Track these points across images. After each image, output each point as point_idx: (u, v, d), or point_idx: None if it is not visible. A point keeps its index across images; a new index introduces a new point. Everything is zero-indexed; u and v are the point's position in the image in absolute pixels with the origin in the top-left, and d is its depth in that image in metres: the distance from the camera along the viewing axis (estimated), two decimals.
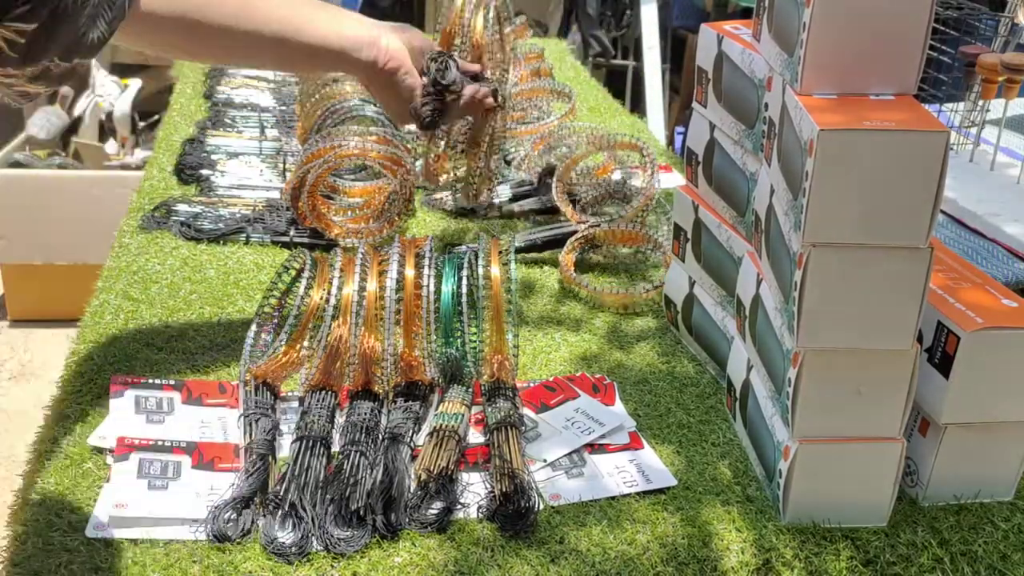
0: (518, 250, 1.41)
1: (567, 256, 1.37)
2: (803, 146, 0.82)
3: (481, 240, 1.11)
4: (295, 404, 1.02)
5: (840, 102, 0.84)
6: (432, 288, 1.06)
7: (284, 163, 1.67)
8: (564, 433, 1.02)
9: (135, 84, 3.26)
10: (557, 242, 1.41)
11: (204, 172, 1.63)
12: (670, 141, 3.38)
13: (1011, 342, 0.89)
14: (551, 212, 1.51)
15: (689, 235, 1.18)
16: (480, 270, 1.07)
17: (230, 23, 0.94)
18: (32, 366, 2.74)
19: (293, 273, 1.10)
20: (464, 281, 1.09)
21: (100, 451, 0.96)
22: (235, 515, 0.86)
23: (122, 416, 1.00)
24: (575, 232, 1.40)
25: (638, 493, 0.95)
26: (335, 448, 0.95)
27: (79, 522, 0.86)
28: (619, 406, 1.08)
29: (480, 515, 0.90)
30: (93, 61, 3.36)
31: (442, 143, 1.37)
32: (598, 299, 1.30)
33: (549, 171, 1.53)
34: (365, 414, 0.98)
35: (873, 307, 0.84)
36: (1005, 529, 0.93)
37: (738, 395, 1.04)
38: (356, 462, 0.91)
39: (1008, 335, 0.89)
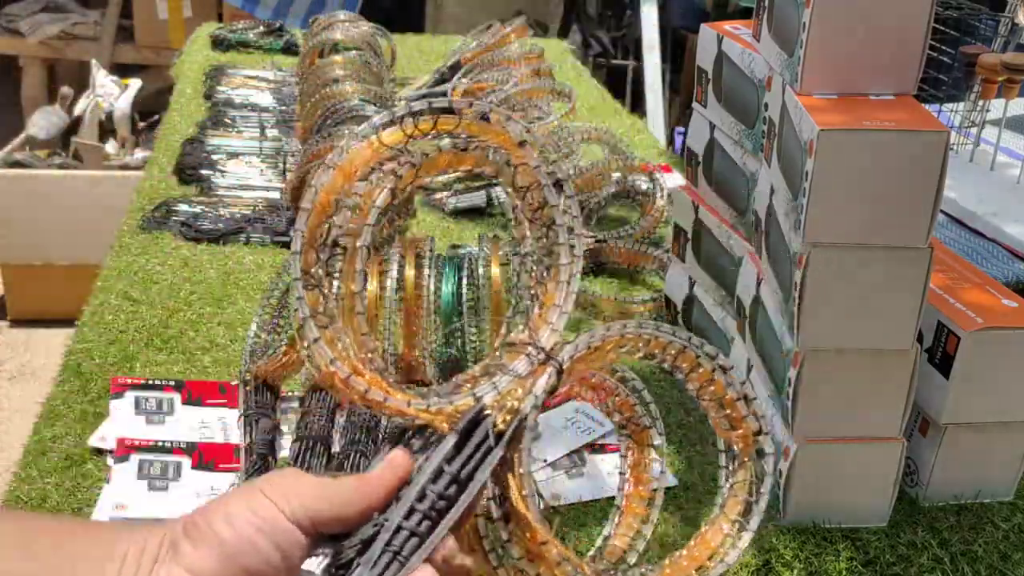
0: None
1: None
2: (803, 146, 0.82)
3: (482, 241, 1.11)
4: (295, 404, 1.02)
5: (840, 102, 0.84)
6: (432, 288, 1.06)
7: (284, 163, 1.67)
8: (564, 433, 1.02)
9: (135, 84, 3.26)
10: None
11: (204, 172, 1.63)
12: (670, 141, 3.38)
13: (1011, 342, 0.89)
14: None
15: (689, 235, 1.18)
16: (480, 270, 1.07)
17: None
18: (32, 366, 2.74)
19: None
20: (464, 281, 1.09)
21: (100, 452, 0.96)
22: None
23: (122, 417, 1.00)
24: None
25: None
26: (335, 448, 0.95)
27: None
28: None
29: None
30: (93, 61, 3.36)
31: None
32: (597, 306, 1.30)
33: (552, 184, 1.53)
34: (365, 414, 0.98)
35: (873, 307, 0.84)
36: (1005, 529, 0.93)
37: None
38: (356, 462, 0.91)
39: (1008, 335, 0.89)
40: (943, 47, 1.65)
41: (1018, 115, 1.72)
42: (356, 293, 0.60)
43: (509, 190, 0.65)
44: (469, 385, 0.58)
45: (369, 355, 0.60)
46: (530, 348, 0.59)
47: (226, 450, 0.96)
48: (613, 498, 0.93)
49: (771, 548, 0.88)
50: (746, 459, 0.67)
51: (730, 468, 0.68)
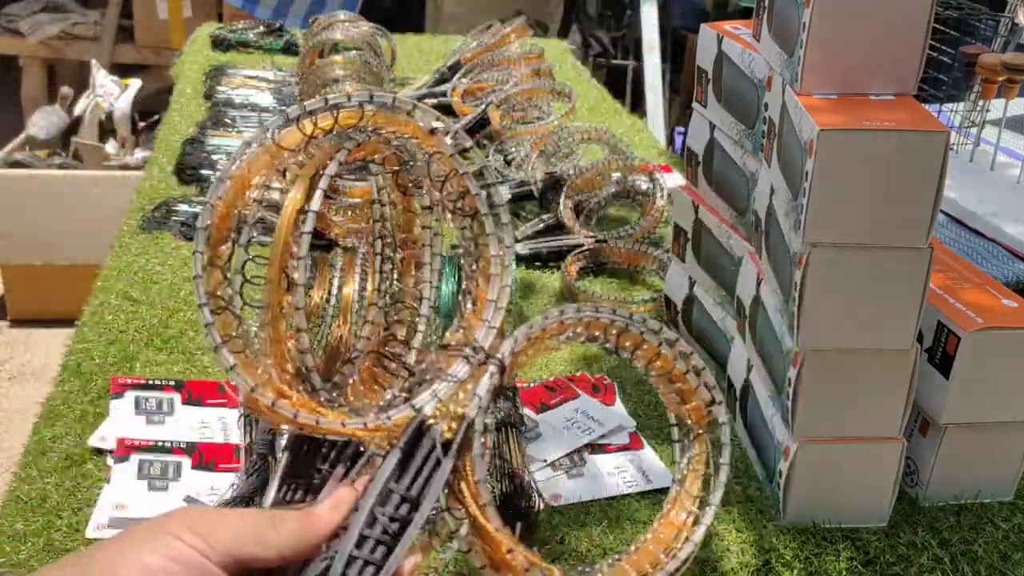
0: (522, 259, 1.41)
1: (571, 263, 1.37)
2: (803, 146, 0.82)
3: None
4: None
5: (840, 102, 0.84)
6: (437, 289, 1.05)
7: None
8: (564, 433, 1.02)
9: (135, 84, 3.26)
10: (561, 254, 1.40)
11: (204, 172, 1.63)
12: (670, 141, 3.37)
13: (1011, 342, 0.89)
14: (557, 228, 1.51)
15: (689, 235, 1.18)
16: None
17: None
18: (32, 366, 2.74)
19: None
20: (463, 282, 1.09)
21: (100, 452, 0.96)
22: None
23: (122, 417, 1.00)
24: (580, 245, 1.41)
25: (638, 493, 0.95)
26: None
27: (79, 523, 0.86)
28: (619, 406, 1.08)
29: None
30: (93, 61, 3.36)
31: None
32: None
33: (552, 184, 1.53)
34: None
35: (873, 307, 0.84)
36: (1005, 529, 0.93)
37: (738, 395, 1.04)
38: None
39: (1008, 335, 0.89)
40: (943, 47, 1.65)
41: (1018, 115, 1.72)
42: (290, 295, 0.54)
43: (427, 182, 0.60)
44: (405, 395, 0.55)
45: (300, 366, 0.55)
46: (467, 349, 0.56)
47: (226, 450, 0.96)
48: (613, 498, 0.94)
49: (771, 548, 0.88)
50: (700, 431, 0.64)
51: (685, 443, 0.65)
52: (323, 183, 0.55)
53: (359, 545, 0.48)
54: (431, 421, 0.52)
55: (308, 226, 0.56)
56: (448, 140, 0.58)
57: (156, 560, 0.46)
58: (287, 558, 0.49)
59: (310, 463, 0.54)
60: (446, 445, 0.52)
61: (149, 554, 0.46)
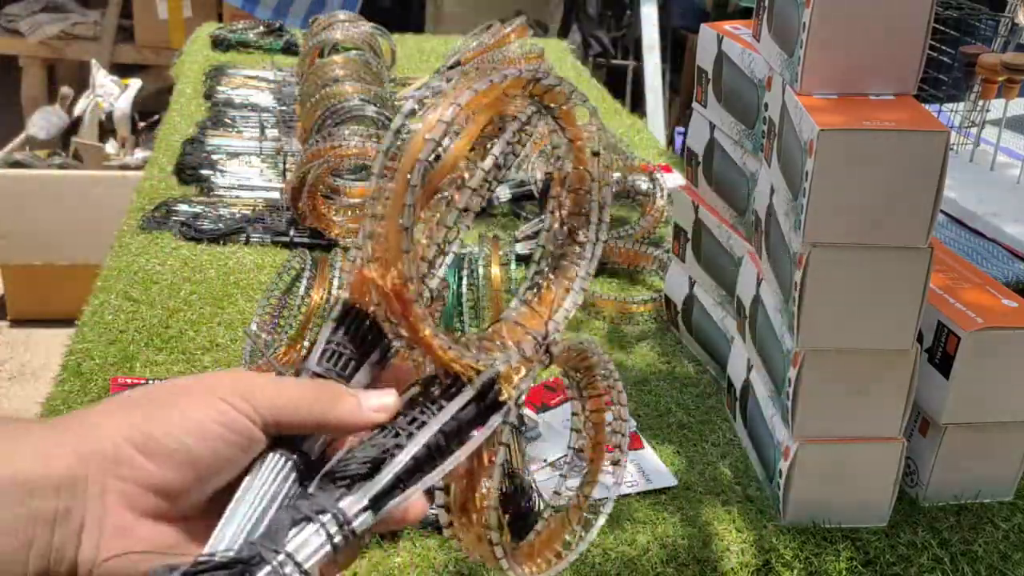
0: (522, 259, 1.41)
1: None
2: (803, 146, 0.82)
3: (482, 241, 1.11)
4: None
5: (840, 102, 0.84)
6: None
7: (284, 163, 1.67)
8: (565, 433, 1.02)
9: (135, 84, 3.26)
10: None
11: (204, 172, 1.63)
12: (670, 141, 3.37)
13: (1012, 342, 0.89)
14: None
15: (689, 235, 1.18)
16: (480, 270, 1.07)
17: None
18: (32, 366, 2.74)
19: (293, 273, 1.10)
20: (464, 281, 1.09)
21: None
22: None
23: None
24: None
25: (638, 493, 0.95)
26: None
27: None
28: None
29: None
30: (93, 61, 3.36)
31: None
32: (597, 306, 1.30)
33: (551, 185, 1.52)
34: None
35: (873, 307, 0.84)
36: (1005, 529, 0.93)
37: (738, 395, 1.04)
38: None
39: (1008, 335, 0.89)
40: (943, 47, 1.65)
41: (1018, 115, 1.72)
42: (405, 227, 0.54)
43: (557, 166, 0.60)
44: (485, 352, 0.55)
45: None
46: (539, 339, 0.57)
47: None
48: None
49: (771, 548, 0.88)
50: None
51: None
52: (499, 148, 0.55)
53: (416, 452, 0.50)
54: (499, 384, 0.54)
55: (475, 182, 0.55)
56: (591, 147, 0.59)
57: (212, 426, 0.47)
58: (326, 432, 0.51)
59: (359, 342, 0.54)
60: (500, 406, 0.54)
61: (195, 410, 0.47)
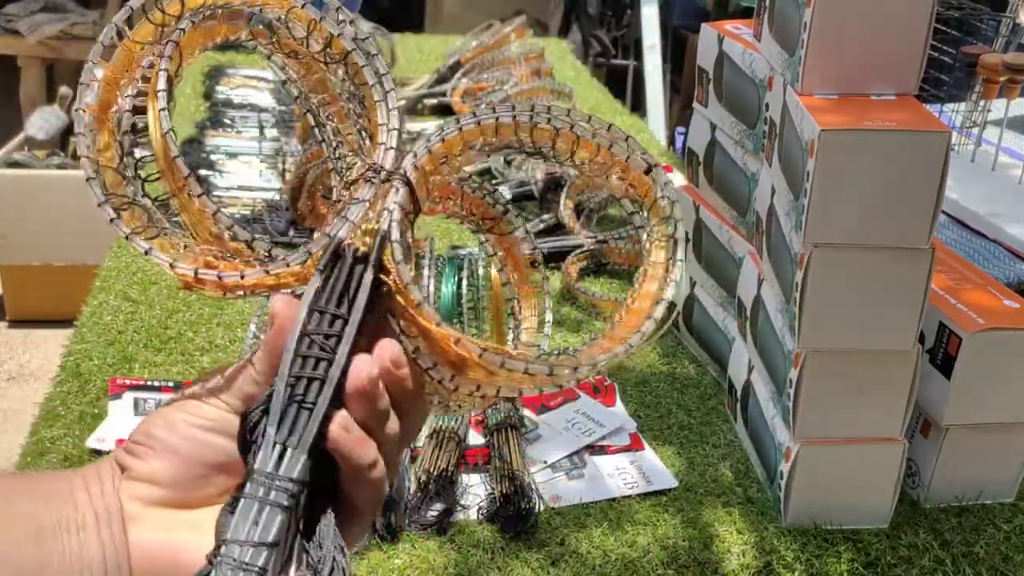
0: None
1: (571, 264, 1.36)
2: (804, 146, 0.81)
3: (482, 241, 1.10)
4: None
5: (841, 102, 0.84)
6: (432, 289, 1.05)
7: (283, 163, 1.67)
8: (565, 434, 1.02)
9: None
10: (561, 254, 1.40)
11: (203, 172, 1.63)
12: (671, 141, 3.37)
13: (1013, 343, 0.89)
14: (557, 228, 1.50)
15: (690, 236, 1.17)
16: (480, 271, 1.07)
17: None
18: (31, 367, 2.73)
19: None
20: (464, 282, 1.09)
21: (99, 453, 0.95)
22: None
23: (121, 418, 1.00)
24: (581, 245, 1.40)
25: (639, 495, 0.94)
26: None
27: None
28: (620, 407, 1.08)
29: (480, 517, 0.90)
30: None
31: None
32: (597, 306, 1.30)
33: (552, 185, 1.52)
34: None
35: (875, 308, 0.84)
36: (1007, 530, 0.92)
37: (739, 396, 1.04)
38: None
39: (1010, 336, 0.88)
40: (944, 47, 1.65)
41: (1020, 115, 1.71)
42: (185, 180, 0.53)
43: (288, 39, 0.57)
44: (320, 233, 0.54)
45: (223, 229, 0.54)
46: (367, 172, 0.55)
47: None
48: (614, 499, 0.93)
49: (772, 550, 0.88)
50: (653, 200, 0.61)
51: (642, 217, 0.61)
52: (164, 63, 0.53)
53: (301, 367, 0.49)
54: (348, 242, 0.52)
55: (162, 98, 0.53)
56: None
57: (180, 418, 0.51)
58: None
59: None
60: (364, 258, 0.52)
61: (172, 416, 0.51)
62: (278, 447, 0.46)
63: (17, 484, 0.52)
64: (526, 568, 0.84)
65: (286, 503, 0.45)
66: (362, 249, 0.52)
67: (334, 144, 0.62)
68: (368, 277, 0.51)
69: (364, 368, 0.49)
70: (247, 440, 0.47)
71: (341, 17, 0.57)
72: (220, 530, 0.45)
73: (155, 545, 0.49)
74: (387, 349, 0.50)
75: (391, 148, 0.55)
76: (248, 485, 0.45)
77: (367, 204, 0.53)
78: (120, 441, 0.95)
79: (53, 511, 0.49)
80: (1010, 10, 1.79)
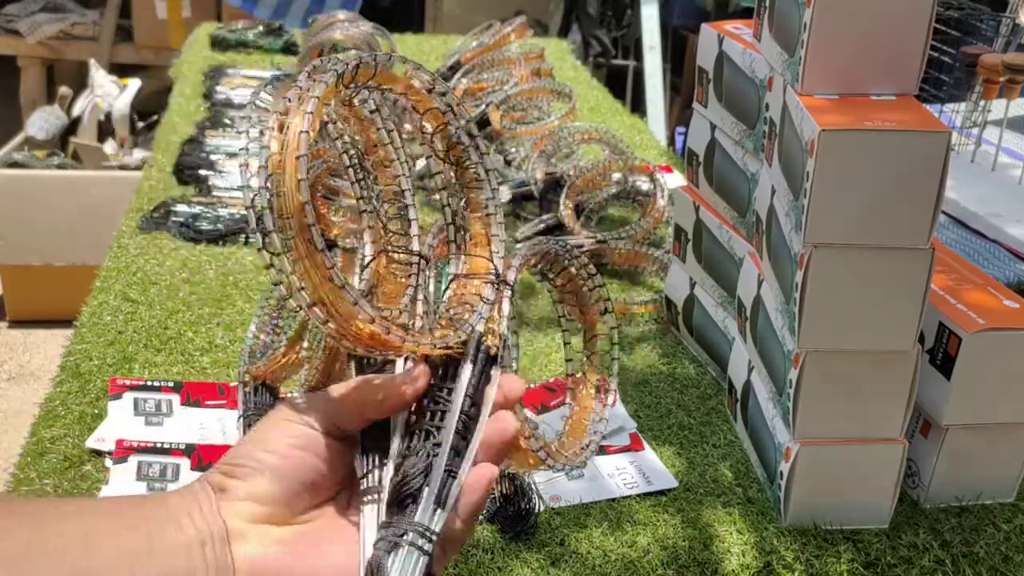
0: None
1: None
2: (804, 146, 0.81)
3: None
4: None
5: (841, 102, 0.84)
6: (432, 289, 1.05)
7: None
8: None
9: (134, 84, 3.26)
10: None
11: (203, 173, 1.63)
12: (671, 141, 3.37)
13: (1013, 343, 0.89)
14: (557, 228, 1.50)
15: (690, 236, 1.17)
16: None
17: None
18: (30, 367, 2.73)
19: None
20: None
21: (99, 453, 0.95)
22: None
23: (121, 418, 1.00)
24: (580, 245, 1.40)
25: (639, 495, 0.94)
26: None
27: None
28: (620, 407, 1.08)
29: (480, 517, 0.90)
30: (91, 61, 3.35)
31: None
32: None
33: (552, 185, 1.52)
34: None
35: (874, 308, 0.84)
36: (1007, 531, 0.92)
37: (739, 396, 1.04)
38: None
39: (1010, 336, 0.88)
40: (944, 47, 1.65)
41: (1019, 115, 1.71)
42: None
43: (422, 133, 0.65)
44: (453, 321, 0.62)
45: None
46: (491, 276, 0.64)
47: (225, 451, 0.96)
48: (614, 499, 0.93)
49: (772, 550, 0.88)
50: (596, 333, 0.72)
51: (586, 338, 0.72)
52: (310, 106, 0.56)
53: (452, 440, 0.58)
54: (485, 340, 0.62)
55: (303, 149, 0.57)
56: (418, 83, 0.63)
57: (273, 439, 0.57)
58: (365, 419, 0.60)
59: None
60: (495, 358, 0.61)
61: (263, 438, 0.58)
62: (433, 506, 0.55)
63: (118, 508, 0.55)
64: (526, 568, 0.84)
65: (431, 552, 0.54)
66: (493, 350, 0.61)
67: (368, 190, 0.69)
68: (496, 375, 0.61)
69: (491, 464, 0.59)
70: (400, 492, 0.56)
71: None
72: (379, 569, 0.53)
73: (265, 560, 0.54)
74: (508, 434, 0.60)
75: (501, 256, 0.65)
76: (409, 534, 0.54)
77: (491, 306, 0.63)
78: (120, 441, 0.95)
79: (162, 534, 0.52)
80: (1010, 10, 1.79)
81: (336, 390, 0.60)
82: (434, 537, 0.55)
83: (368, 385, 0.59)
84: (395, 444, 0.58)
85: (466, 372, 0.60)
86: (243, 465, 0.56)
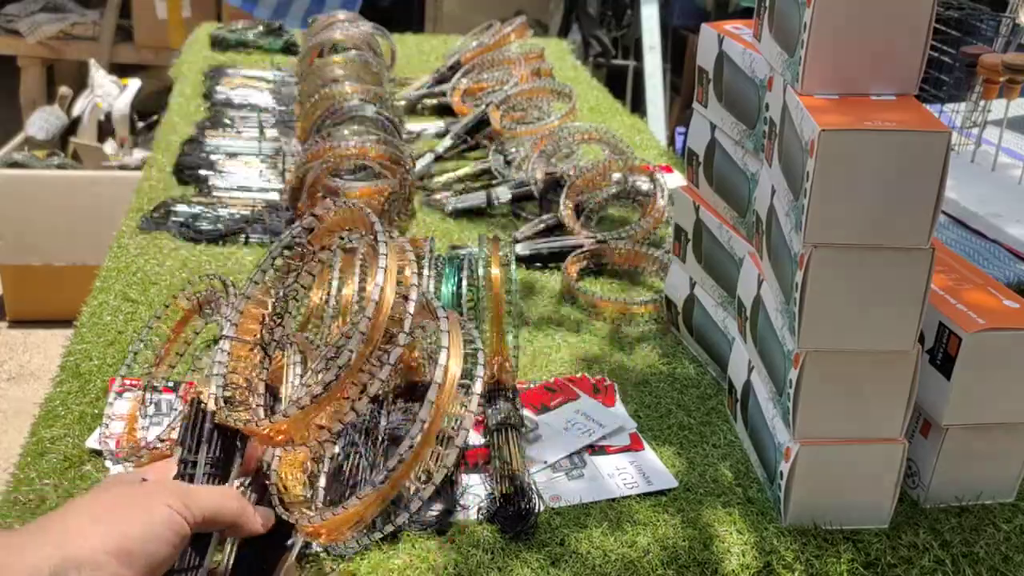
0: (522, 259, 1.41)
1: (571, 264, 1.36)
2: (804, 146, 0.81)
3: (482, 241, 1.11)
4: None
5: (841, 102, 0.84)
6: (432, 289, 1.05)
7: (283, 163, 1.67)
8: (564, 434, 1.02)
9: (134, 84, 3.25)
10: (561, 254, 1.40)
11: (203, 172, 1.63)
12: (671, 141, 3.37)
13: (1013, 343, 0.89)
14: (557, 228, 1.50)
15: (690, 236, 1.17)
16: (480, 271, 1.07)
17: None
18: (30, 367, 2.73)
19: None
20: (464, 282, 1.09)
21: (99, 453, 0.95)
22: None
23: (121, 418, 0.99)
24: (580, 245, 1.40)
25: (639, 495, 0.94)
26: (335, 450, 0.95)
27: None
28: (619, 407, 1.08)
29: (480, 517, 0.90)
30: (91, 61, 3.35)
31: None
32: (596, 305, 1.30)
33: (552, 185, 1.52)
34: (365, 415, 0.97)
35: (874, 308, 0.84)
36: (1007, 531, 0.92)
37: (739, 396, 1.04)
38: (355, 463, 0.91)
39: (1010, 336, 0.88)
40: (944, 47, 1.65)
41: (1019, 115, 1.71)
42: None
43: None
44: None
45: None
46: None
47: None
48: (613, 499, 0.93)
49: (772, 550, 0.88)
50: None
51: None
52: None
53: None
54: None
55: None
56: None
57: (165, 532, 0.64)
58: (232, 534, 0.72)
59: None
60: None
61: (159, 521, 0.64)
62: None
63: None
64: (526, 568, 0.84)
65: None
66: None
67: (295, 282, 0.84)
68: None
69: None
70: None
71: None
72: None
73: None
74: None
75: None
76: None
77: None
78: (119, 442, 0.94)
79: None
80: (1010, 10, 1.79)
81: (220, 494, 0.71)
82: None
83: (245, 506, 0.72)
84: None
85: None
86: (132, 552, 0.62)
